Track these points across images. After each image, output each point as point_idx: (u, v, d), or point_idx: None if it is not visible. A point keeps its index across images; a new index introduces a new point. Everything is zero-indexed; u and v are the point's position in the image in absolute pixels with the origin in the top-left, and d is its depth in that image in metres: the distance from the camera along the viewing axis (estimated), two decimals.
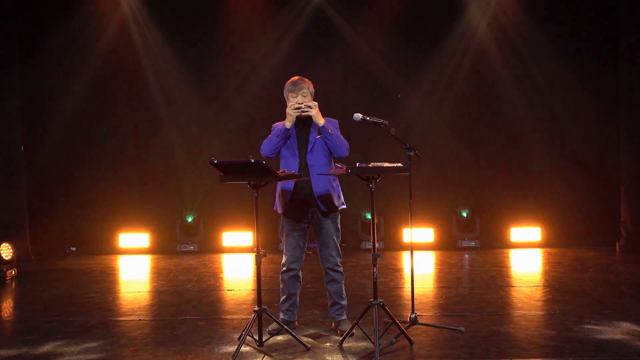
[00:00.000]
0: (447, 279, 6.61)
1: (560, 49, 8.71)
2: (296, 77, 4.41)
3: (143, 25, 8.77)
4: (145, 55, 8.81)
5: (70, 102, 8.71)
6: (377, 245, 4.77)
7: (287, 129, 4.31)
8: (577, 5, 8.69)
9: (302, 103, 4.29)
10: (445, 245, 8.67)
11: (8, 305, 5.82)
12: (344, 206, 4.50)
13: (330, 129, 4.29)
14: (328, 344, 4.21)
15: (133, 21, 8.78)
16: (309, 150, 4.35)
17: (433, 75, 8.82)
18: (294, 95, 4.35)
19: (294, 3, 8.77)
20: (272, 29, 8.82)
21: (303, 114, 4.27)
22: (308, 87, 4.38)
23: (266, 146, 4.36)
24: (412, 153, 4.34)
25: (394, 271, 7.11)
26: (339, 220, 4.50)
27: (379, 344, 3.91)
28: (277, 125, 4.44)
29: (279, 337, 4.33)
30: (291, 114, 4.28)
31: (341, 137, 4.36)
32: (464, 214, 8.69)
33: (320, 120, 4.29)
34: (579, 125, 8.75)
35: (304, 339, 4.23)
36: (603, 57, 8.65)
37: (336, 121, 4.48)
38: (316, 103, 4.31)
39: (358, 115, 4.30)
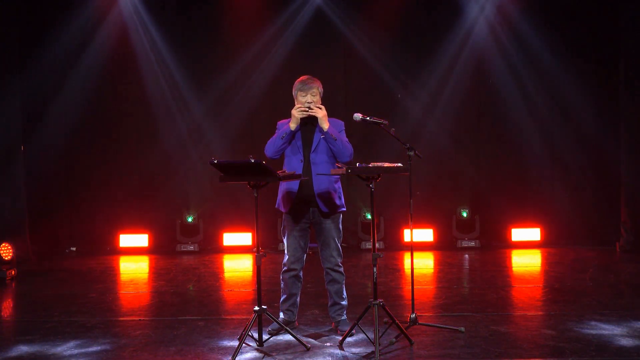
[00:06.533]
0: (447, 279, 6.61)
1: (560, 49, 8.69)
2: (305, 77, 4.38)
3: (143, 26, 8.76)
4: (145, 56, 8.80)
5: (70, 102, 8.69)
6: (377, 245, 4.77)
7: (292, 131, 4.30)
8: (577, 6, 8.68)
9: (310, 102, 4.27)
10: (445, 245, 8.66)
11: (8, 305, 5.82)
12: (344, 209, 4.47)
13: (334, 135, 4.26)
14: (328, 344, 4.21)
15: (133, 21, 8.76)
16: (312, 149, 4.34)
17: (433, 75, 8.81)
18: (303, 95, 4.33)
19: (294, 3, 8.77)
20: (273, 29, 8.81)
21: (305, 113, 4.25)
22: (317, 86, 4.36)
23: (271, 147, 4.35)
24: (412, 153, 4.33)
25: (394, 271, 7.10)
26: (340, 221, 4.48)
27: (379, 344, 3.91)
28: (282, 123, 4.43)
29: (279, 337, 4.33)
30: (296, 115, 4.26)
31: (345, 142, 4.32)
32: (464, 214, 8.68)
33: (326, 125, 4.26)
34: (579, 125, 8.74)
35: (304, 339, 4.23)
36: (603, 57, 8.63)
37: (342, 122, 4.47)
38: (323, 107, 4.28)
39: (358, 115, 4.28)
